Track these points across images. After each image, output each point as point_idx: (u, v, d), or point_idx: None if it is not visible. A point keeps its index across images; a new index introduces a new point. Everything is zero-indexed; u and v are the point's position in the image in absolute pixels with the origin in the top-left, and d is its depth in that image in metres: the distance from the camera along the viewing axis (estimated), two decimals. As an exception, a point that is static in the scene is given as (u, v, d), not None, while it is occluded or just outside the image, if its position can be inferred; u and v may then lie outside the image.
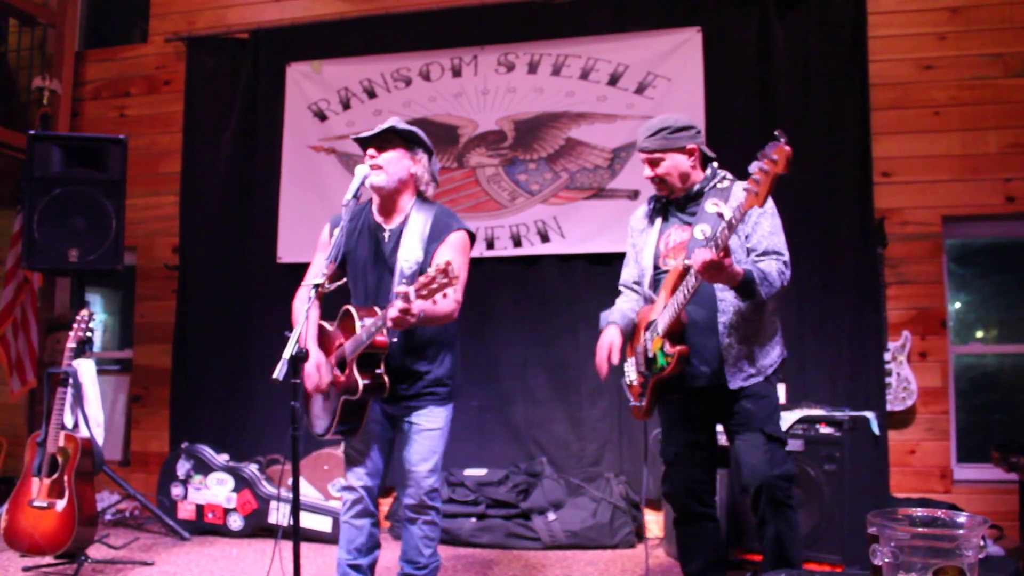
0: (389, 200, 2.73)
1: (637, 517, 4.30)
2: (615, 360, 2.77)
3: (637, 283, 2.92)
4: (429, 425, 2.72)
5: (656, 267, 2.79)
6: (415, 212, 2.72)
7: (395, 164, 2.68)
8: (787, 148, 2.24)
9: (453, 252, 2.66)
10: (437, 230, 2.69)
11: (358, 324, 2.56)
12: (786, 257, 2.66)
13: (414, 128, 2.74)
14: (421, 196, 2.78)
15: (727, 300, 2.65)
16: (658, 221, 2.85)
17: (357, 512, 2.77)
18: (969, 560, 1.49)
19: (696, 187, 2.76)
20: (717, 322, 2.66)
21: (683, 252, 2.69)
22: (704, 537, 2.84)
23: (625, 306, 2.92)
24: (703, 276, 2.46)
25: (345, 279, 2.66)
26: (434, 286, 2.27)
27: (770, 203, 2.57)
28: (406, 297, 2.29)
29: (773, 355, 2.72)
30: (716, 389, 2.68)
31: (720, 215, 2.41)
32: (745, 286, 2.53)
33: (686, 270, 2.58)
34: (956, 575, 1.48)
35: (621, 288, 3.01)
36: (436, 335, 2.73)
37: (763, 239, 2.67)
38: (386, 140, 2.69)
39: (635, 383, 2.81)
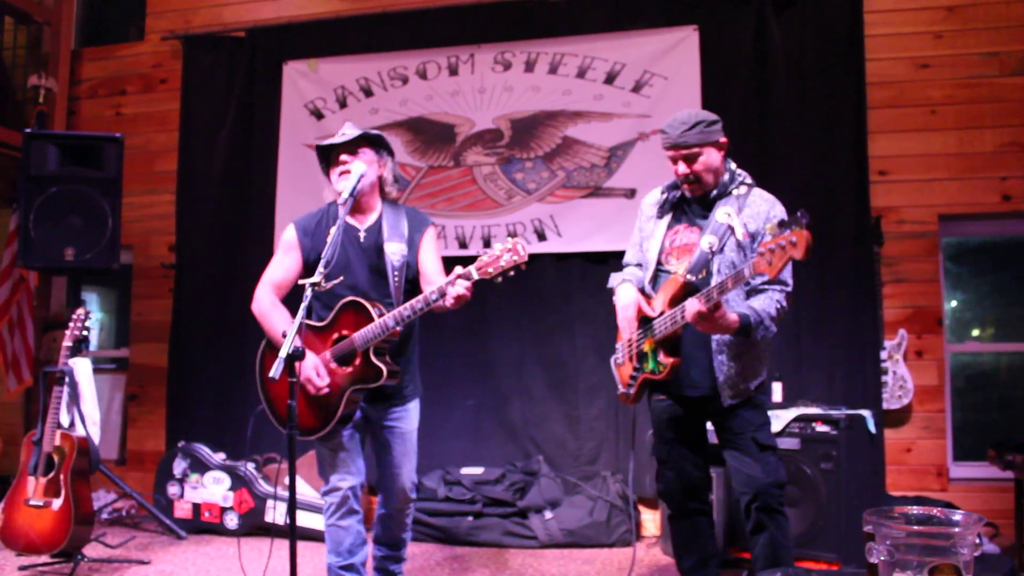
0: (361, 201, 2.80)
1: (634, 515, 4.30)
2: (645, 311, 2.69)
3: (639, 266, 2.90)
4: (408, 427, 2.86)
5: (659, 263, 2.79)
6: (387, 210, 2.85)
7: (370, 167, 2.79)
8: (807, 233, 2.16)
9: (433, 246, 2.86)
10: (414, 224, 2.86)
11: (374, 313, 2.60)
12: (790, 287, 2.62)
13: (381, 133, 2.85)
14: (385, 197, 2.90)
15: None
16: (668, 216, 2.82)
17: (343, 513, 2.79)
18: (965, 558, 1.49)
19: (714, 191, 2.72)
20: (711, 337, 2.65)
21: (687, 255, 2.68)
22: (698, 533, 2.86)
23: (637, 274, 2.87)
24: (695, 326, 2.47)
25: (341, 278, 2.66)
26: (502, 263, 2.41)
27: None
28: (468, 275, 2.43)
29: (763, 372, 2.74)
30: (708, 400, 2.70)
31: (731, 228, 2.40)
32: (742, 332, 2.53)
33: (687, 285, 2.58)
34: (952, 573, 1.48)
35: (624, 267, 2.97)
36: (408, 333, 2.81)
37: None
38: (356, 144, 2.78)
39: (624, 366, 2.82)
